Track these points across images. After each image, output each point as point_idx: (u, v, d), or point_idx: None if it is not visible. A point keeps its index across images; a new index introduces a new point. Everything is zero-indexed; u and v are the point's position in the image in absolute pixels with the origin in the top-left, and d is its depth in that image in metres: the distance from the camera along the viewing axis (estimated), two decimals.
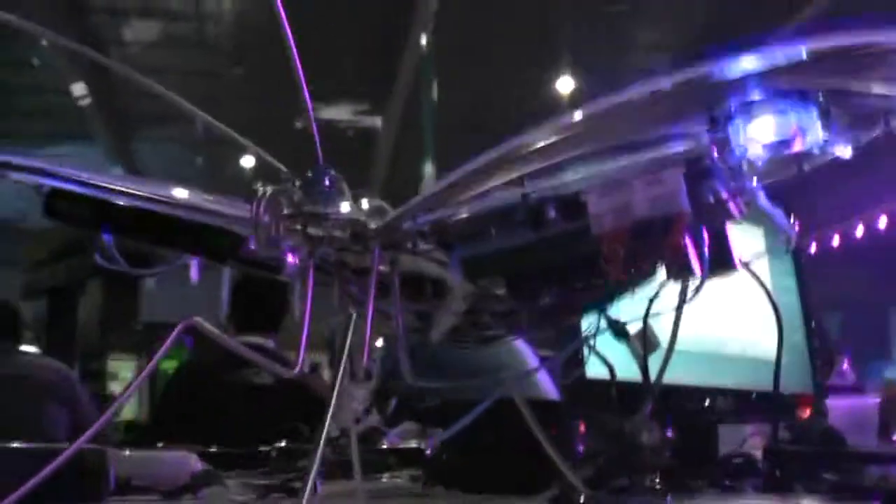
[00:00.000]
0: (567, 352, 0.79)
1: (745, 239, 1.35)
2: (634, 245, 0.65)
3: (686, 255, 0.66)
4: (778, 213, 0.70)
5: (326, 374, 2.30)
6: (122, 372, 3.42)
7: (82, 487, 0.98)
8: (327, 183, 0.67)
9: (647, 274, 0.66)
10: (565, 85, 7.10)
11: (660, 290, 0.80)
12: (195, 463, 1.16)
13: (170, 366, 2.66)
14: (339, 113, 8.14)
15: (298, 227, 0.67)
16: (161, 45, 7.56)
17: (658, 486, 0.87)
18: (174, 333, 0.74)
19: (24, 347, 2.99)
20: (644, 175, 0.65)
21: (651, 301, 0.86)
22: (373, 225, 0.70)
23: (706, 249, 0.74)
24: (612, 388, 0.93)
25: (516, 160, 0.68)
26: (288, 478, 1.17)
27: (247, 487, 1.17)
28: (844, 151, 0.75)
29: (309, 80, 0.71)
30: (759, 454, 1.19)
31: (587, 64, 6.80)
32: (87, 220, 0.78)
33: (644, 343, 0.92)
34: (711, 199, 0.68)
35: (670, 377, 1.19)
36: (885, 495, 0.73)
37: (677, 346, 1.20)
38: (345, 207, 0.69)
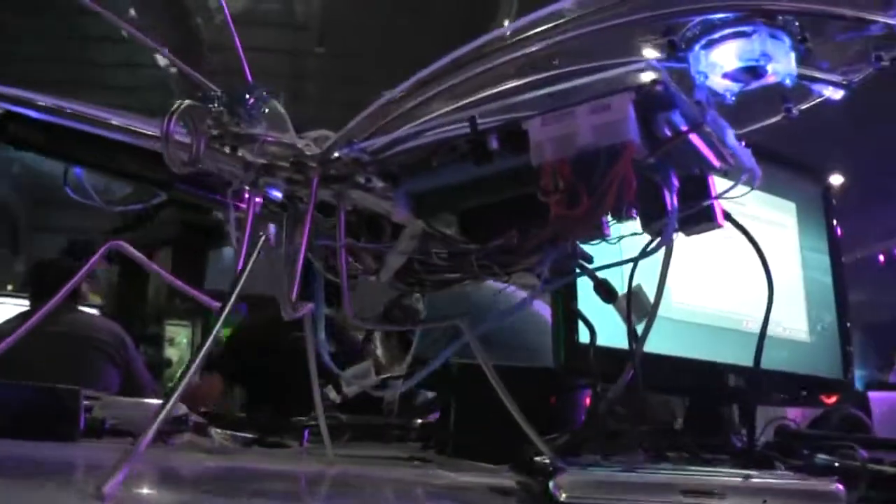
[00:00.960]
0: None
1: (775, 212, 1.27)
2: (577, 178, 0.60)
3: (632, 193, 0.60)
4: (745, 152, 0.64)
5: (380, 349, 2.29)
6: (178, 337, 3.47)
7: (55, 425, 0.97)
8: (254, 104, 0.63)
9: (595, 213, 0.60)
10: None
11: (647, 248, 0.75)
12: (186, 411, 1.14)
13: (224, 333, 2.68)
14: None
15: (222, 146, 0.63)
16: (247, 21, 7.64)
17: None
18: (97, 255, 0.71)
19: (83, 308, 3.05)
20: (590, 101, 0.60)
21: (636, 260, 0.80)
22: (309, 153, 0.66)
23: (674, 197, 0.69)
24: (591, 353, 0.87)
25: (460, 84, 0.63)
26: (267, 433, 1.15)
27: (232, 439, 1.15)
28: (834, 93, 0.69)
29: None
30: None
31: None
32: (39, 144, 0.76)
33: (629, 306, 0.86)
34: (667, 132, 0.62)
35: (681, 350, 1.13)
36: (843, 475, 0.66)
37: (693, 320, 1.15)
38: (277, 132, 0.65)
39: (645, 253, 0.74)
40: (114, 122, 0.66)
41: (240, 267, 0.67)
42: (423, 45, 7.13)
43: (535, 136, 0.61)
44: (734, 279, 1.13)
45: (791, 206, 1.29)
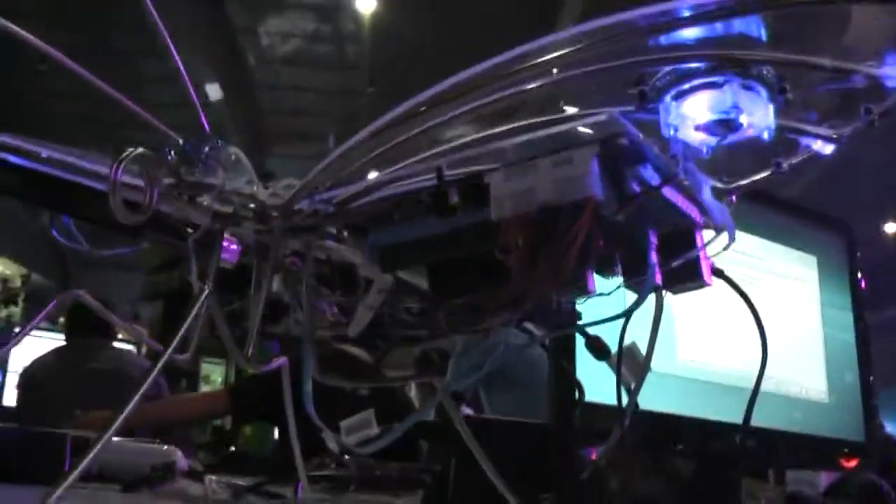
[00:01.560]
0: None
1: (795, 266, 1.22)
2: (538, 237, 0.57)
3: (597, 250, 0.57)
4: (719, 209, 0.60)
5: (414, 391, 2.26)
6: (213, 375, 3.47)
7: (38, 470, 0.95)
8: (210, 153, 0.61)
9: (555, 273, 0.57)
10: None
11: (638, 303, 0.72)
12: (178, 456, 1.12)
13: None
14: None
15: (178, 195, 0.61)
16: (299, 62, 7.74)
17: None
18: (50, 305, 0.70)
19: (116, 344, 3.08)
20: (552, 154, 0.57)
21: (628, 315, 0.76)
22: (272, 203, 0.64)
23: (653, 254, 0.66)
24: (577, 411, 0.84)
25: (425, 133, 0.61)
26: (263, 480, 1.12)
27: (224, 486, 1.12)
28: (824, 147, 0.65)
29: None
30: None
31: None
32: (11, 189, 0.75)
33: (619, 364, 0.82)
34: (635, 188, 0.59)
35: (693, 411, 1.09)
36: None
37: (708, 379, 1.10)
38: (235, 180, 0.63)
39: (628, 312, 0.70)
40: (69, 162, 0.64)
41: (193, 314, 0.65)
42: None
43: (495, 191, 0.58)
44: (742, 336, 1.09)
45: (812, 260, 1.24)
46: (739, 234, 1.17)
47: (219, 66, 7.36)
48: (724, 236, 0.63)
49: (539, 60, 0.54)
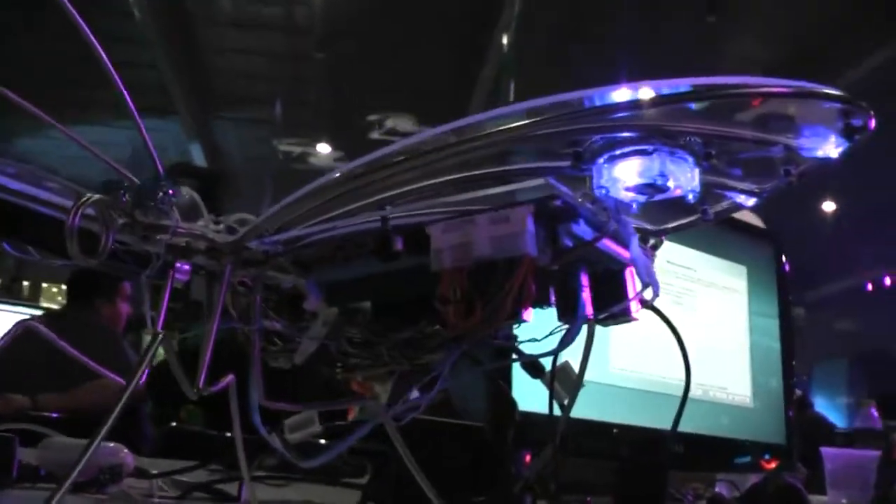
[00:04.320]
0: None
1: (726, 276, 1.28)
2: (474, 288, 0.60)
3: (530, 301, 0.61)
4: (644, 262, 0.64)
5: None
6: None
7: None
8: (164, 196, 0.64)
9: (489, 324, 0.61)
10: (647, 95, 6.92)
11: (568, 340, 0.76)
12: (124, 456, 1.14)
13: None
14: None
15: (136, 237, 0.64)
16: (246, 24, 7.64)
17: None
18: (9, 335, 0.72)
19: None
20: (490, 211, 0.61)
21: (555, 353, 0.81)
22: (221, 241, 0.67)
23: (584, 293, 0.70)
24: (512, 428, 0.88)
25: (373, 183, 0.64)
26: (213, 479, 1.15)
27: (174, 484, 1.15)
28: (746, 201, 0.70)
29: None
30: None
31: (674, 71, 6.63)
32: None
33: (552, 382, 0.87)
34: (569, 243, 0.62)
35: (620, 418, 1.14)
36: None
37: (632, 386, 1.15)
38: (189, 222, 0.66)
39: (557, 349, 0.74)
40: (24, 192, 0.66)
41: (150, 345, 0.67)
42: (423, 52, 7.14)
43: (435, 242, 0.62)
44: (673, 345, 1.14)
45: (742, 270, 1.30)
46: (674, 247, 1.23)
47: (165, 27, 7.24)
48: (650, 290, 0.67)
49: (484, 132, 0.57)
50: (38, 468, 1.03)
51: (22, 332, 0.78)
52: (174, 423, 2.71)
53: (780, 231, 1.36)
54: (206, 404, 2.53)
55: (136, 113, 0.66)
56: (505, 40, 6.97)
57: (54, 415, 2.46)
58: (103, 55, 0.63)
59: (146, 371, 0.68)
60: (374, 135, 8.22)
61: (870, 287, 7.44)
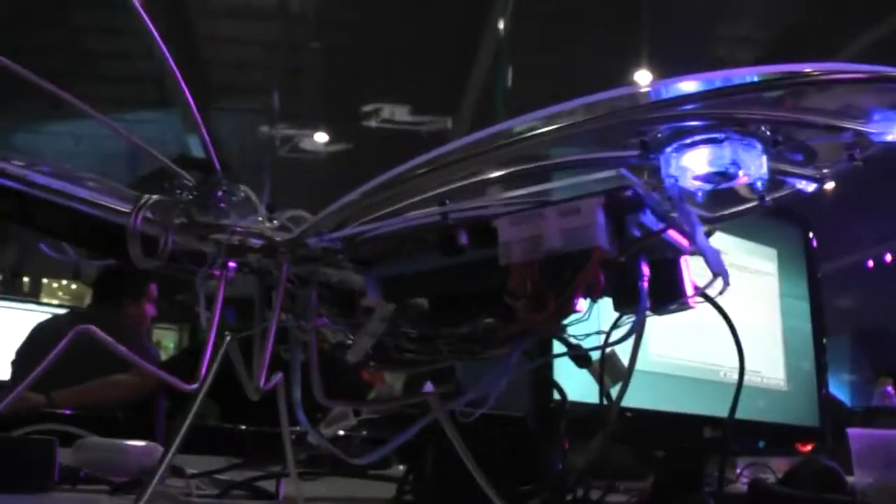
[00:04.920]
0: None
1: (757, 259, 1.27)
2: (544, 281, 0.59)
3: (599, 294, 0.60)
4: (714, 253, 0.64)
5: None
6: (165, 341, 3.47)
7: (27, 478, 0.96)
8: (223, 195, 0.63)
9: (559, 318, 0.60)
10: (643, 78, 6.92)
11: (618, 320, 0.75)
12: (158, 453, 1.14)
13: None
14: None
15: (194, 238, 0.63)
16: (241, 13, 7.61)
17: None
18: (65, 340, 0.70)
19: None
20: (559, 203, 0.60)
21: (610, 329, 0.80)
22: (279, 238, 0.66)
23: (644, 283, 0.69)
24: (563, 412, 0.88)
25: (434, 177, 0.63)
26: (253, 476, 1.14)
27: (212, 483, 1.14)
28: (808, 187, 0.69)
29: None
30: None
31: (667, 56, 6.62)
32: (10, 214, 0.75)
33: (602, 371, 0.86)
34: (637, 234, 0.62)
35: (658, 403, 1.13)
36: None
37: (671, 371, 1.15)
38: (246, 219, 0.65)
39: (625, 337, 0.73)
40: (82, 197, 0.65)
41: (211, 344, 0.67)
42: (420, 41, 7.11)
43: (503, 236, 0.61)
44: (711, 330, 1.14)
45: (772, 253, 1.29)
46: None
47: (160, 16, 7.20)
48: (720, 281, 0.66)
49: (545, 129, 0.57)
50: (78, 470, 1.02)
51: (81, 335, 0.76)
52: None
53: (804, 211, 1.36)
54: (220, 399, 2.52)
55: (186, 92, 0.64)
56: (501, 25, 6.94)
57: (67, 411, 2.45)
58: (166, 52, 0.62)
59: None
60: (372, 123, 8.20)
61: (871, 264, 7.45)
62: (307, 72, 8.11)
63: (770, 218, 1.29)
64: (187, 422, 0.62)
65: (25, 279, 9.36)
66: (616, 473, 1.08)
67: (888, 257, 7.39)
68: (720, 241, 1.21)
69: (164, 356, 3.46)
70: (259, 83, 8.38)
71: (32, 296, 8.69)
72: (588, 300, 0.68)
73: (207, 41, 8.01)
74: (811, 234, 1.35)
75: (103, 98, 8.15)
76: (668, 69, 6.54)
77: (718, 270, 0.62)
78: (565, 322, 0.73)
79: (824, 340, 1.32)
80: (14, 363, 2.88)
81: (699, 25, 6.84)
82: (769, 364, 1.24)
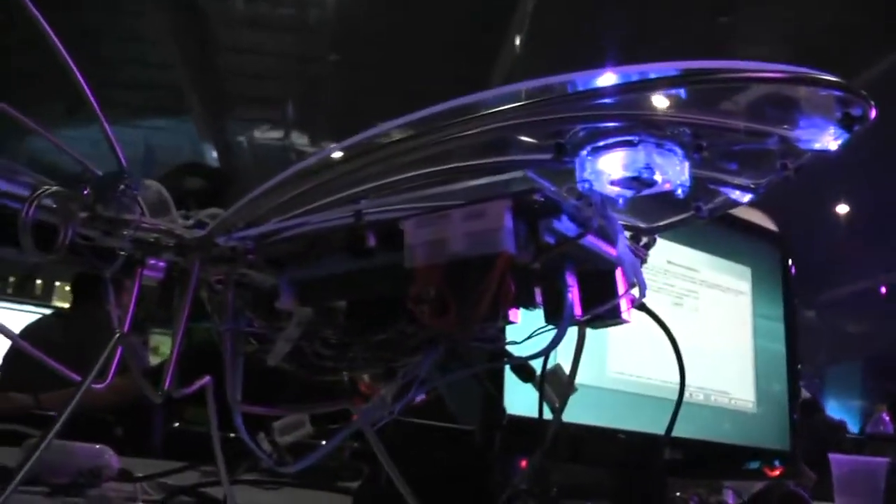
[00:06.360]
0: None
1: (730, 278, 1.24)
2: (450, 286, 0.57)
3: (510, 301, 0.57)
4: (631, 261, 0.61)
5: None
6: (163, 347, 3.47)
7: None
8: (125, 189, 0.61)
9: (465, 324, 0.57)
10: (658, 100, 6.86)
11: (555, 343, 0.72)
12: (108, 458, 1.12)
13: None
14: None
15: (98, 231, 0.61)
16: (260, 24, 7.64)
17: None
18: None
19: None
20: (465, 206, 0.57)
21: (546, 353, 0.77)
22: (188, 236, 0.64)
23: (570, 293, 0.66)
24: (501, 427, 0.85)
25: (344, 176, 0.61)
26: (200, 482, 1.12)
27: (159, 487, 1.12)
28: (742, 197, 0.66)
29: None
30: None
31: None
32: None
33: (542, 385, 0.84)
34: (551, 240, 0.59)
35: (616, 421, 1.10)
36: None
37: (631, 390, 1.12)
38: (160, 214, 0.63)
39: (547, 348, 0.71)
40: None
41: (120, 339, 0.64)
42: (434, 56, 7.12)
43: (409, 238, 0.58)
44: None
45: (746, 272, 1.26)
46: (676, 247, 1.19)
47: (179, 26, 7.25)
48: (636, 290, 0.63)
49: (469, 117, 0.54)
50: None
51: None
52: (177, 424, 2.69)
53: (787, 232, 1.32)
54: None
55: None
56: (517, 42, 6.93)
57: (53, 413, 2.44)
58: None
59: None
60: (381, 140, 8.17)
61: (884, 290, 7.36)
62: (323, 83, 8.12)
63: (744, 235, 1.26)
64: (65, 413, 0.60)
65: (38, 282, 9.40)
66: (570, 492, 1.06)
67: None
68: (689, 257, 1.18)
69: (157, 361, 3.45)
70: (275, 94, 8.39)
71: (45, 298, 8.72)
72: (519, 309, 0.66)
73: (226, 51, 8.04)
74: (788, 255, 1.32)
75: (120, 104, 8.20)
76: None
77: (635, 279, 0.60)
78: (506, 332, 0.70)
79: (799, 365, 1.29)
80: (1, 367, 2.88)
81: (714, 45, 6.80)
82: (738, 385, 1.21)
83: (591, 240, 0.63)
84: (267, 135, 8.84)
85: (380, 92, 8.02)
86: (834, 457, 1.52)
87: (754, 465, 1.21)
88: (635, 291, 0.64)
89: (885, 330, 7.76)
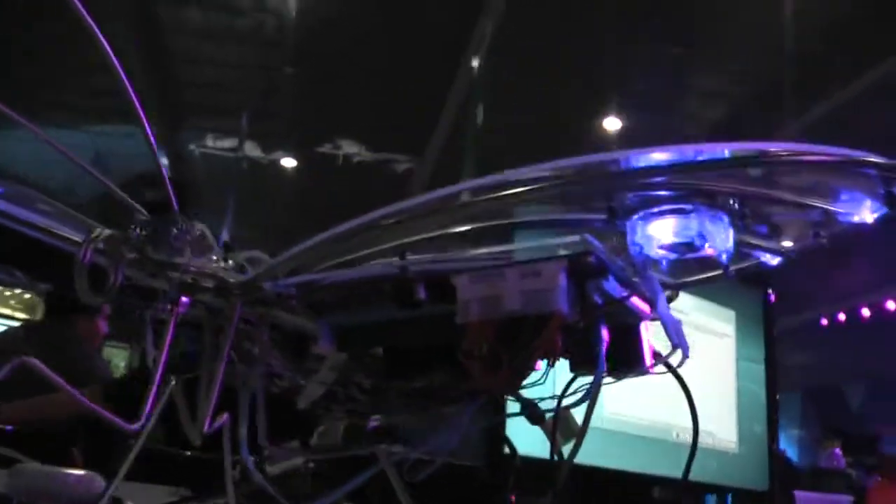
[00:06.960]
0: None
1: (715, 321, 1.27)
2: (500, 342, 0.58)
3: (556, 357, 0.59)
4: (674, 323, 0.63)
5: None
6: (116, 359, 3.42)
7: None
8: (179, 234, 0.61)
9: (515, 381, 0.59)
10: (612, 124, 6.96)
11: (571, 381, 0.74)
12: (98, 486, 1.10)
13: None
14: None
15: (145, 274, 0.61)
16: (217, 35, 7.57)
17: None
18: (6, 369, 0.68)
19: None
20: (521, 264, 0.59)
21: (564, 391, 0.79)
22: (233, 280, 0.64)
23: (603, 348, 0.68)
24: (514, 467, 0.86)
25: (396, 230, 0.62)
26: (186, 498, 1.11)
27: None
28: (771, 260, 0.69)
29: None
30: None
31: (637, 104, 6.66)
32: None
33: (554, 430, 0.85)
34: (599, 300, 0.61)
35: (611, 461, 1.12)
36: None
37: (625, 430, 1.14)
38: (200, 258, 0.63)
39: (582, 399, 0.72)
40: (32, 222, 0.63)
41: (157, 381, 0.64)
42: (391, 71, 7.11)
43: (462, 294, 0.59)
44: (665, 389, 1.13)
45: (731, 315, 1.29)
46: None
47: (137, 34, 7.15)
48: (679, 353, 0.65)
49: (511, 192, 0.56)
50: (11, 497, 0.99)
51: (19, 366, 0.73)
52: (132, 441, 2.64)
53: (769, 276, 1.36)
54: (166, 421, 2.47)
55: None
56: (475, 64, 6.96)
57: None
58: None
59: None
60: (339, 152, 8.16)
61: (825, 322, 7.52)
62: (280, 95, 8.07)
63: (730, 280, 1.29)
64: (130, 458, 0.60)
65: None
66: None
67: (841, 316, 7.45)
68: (679, 300, 1.21)
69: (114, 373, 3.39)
70: (230, 105, 8.31)
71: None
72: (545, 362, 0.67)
73: (181, 61, 7.95)
74: (770, 293, 1.35)
75: (80, 110, 8.07)
76: (636, 114, 6.60)
77: (679, 343, 0.62)
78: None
79: (777, 407, 1.32)
80: None
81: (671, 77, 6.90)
82: (722, 426, 1.24)
83: (631, 300, 0.65)
84: (219, 144, 8.75)
85: (336, 104, 8.00)
86: (800, 495, 1.56)
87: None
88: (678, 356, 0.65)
89: (825, 362, 7.93)
